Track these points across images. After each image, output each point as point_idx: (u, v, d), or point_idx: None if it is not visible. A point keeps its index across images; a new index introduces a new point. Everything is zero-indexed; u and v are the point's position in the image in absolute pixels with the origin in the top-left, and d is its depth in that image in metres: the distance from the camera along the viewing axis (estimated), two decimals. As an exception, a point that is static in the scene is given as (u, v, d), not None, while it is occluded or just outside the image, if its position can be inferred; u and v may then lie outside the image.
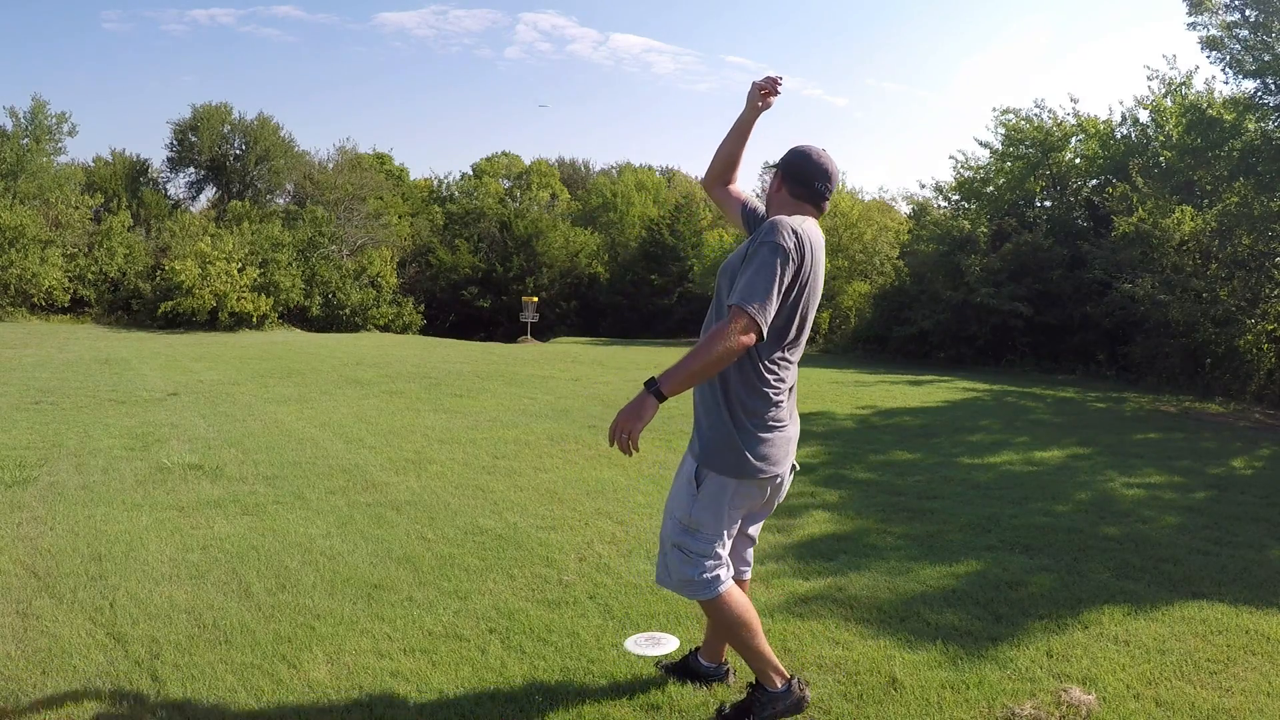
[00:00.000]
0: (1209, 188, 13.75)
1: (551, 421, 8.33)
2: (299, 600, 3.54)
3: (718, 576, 2.52)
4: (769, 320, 2.33)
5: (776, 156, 2.72)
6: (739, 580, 2.75)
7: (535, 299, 29.05)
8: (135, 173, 32.35)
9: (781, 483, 2.60)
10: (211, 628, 3.25)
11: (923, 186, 23.44)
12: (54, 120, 26.87)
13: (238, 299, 24.97)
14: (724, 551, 2.55)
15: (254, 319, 25.53)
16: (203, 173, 33.09)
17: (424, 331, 31.21)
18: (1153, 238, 14.73)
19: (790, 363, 2.53)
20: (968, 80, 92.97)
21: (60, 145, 27.31)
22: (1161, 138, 17.07)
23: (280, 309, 26.98)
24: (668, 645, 3.13)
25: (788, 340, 2.48)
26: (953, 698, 2.79)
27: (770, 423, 2.48)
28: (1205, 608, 3.61)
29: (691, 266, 31.96)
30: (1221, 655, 3.15)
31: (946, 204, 22.59)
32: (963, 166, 21.47)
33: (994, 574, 4.02)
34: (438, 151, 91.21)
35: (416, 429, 7.80)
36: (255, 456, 6.36)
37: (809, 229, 2.46)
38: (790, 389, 2.56)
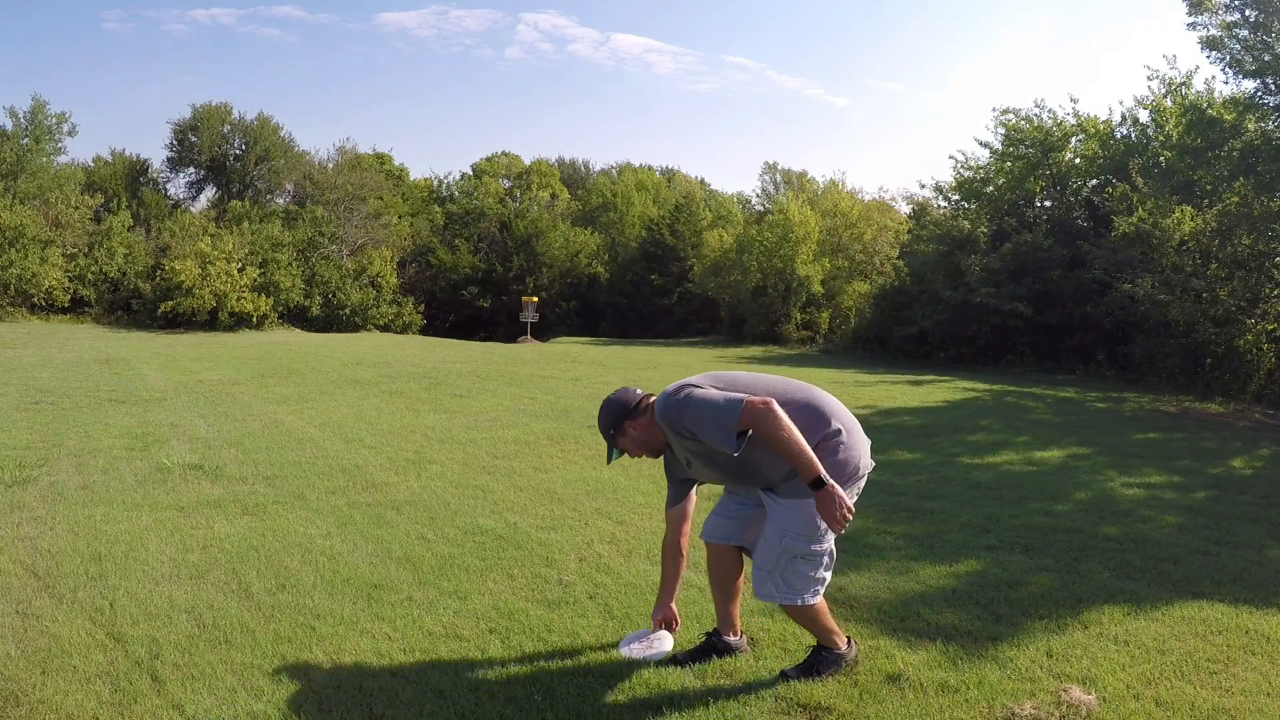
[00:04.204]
0: (1209, 188, 13.75)
1: (551, 421, 8.32)
2: (299, 600, 3.54)
3: (827, 577, 2.87)
4: (751, 394, 2.70)
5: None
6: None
7: (535, 299, 29.06)
8: (135, 173, 32.36)
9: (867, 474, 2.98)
10: (211, 628, 3.25)
11: (923, 186, 23.45)
12: (54, 120, 26.88)
13: (238, 299, 24.97)
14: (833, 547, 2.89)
15: (254, 319, 25.53)
16: (203, 173, 33.09)
17: (424, 331, 31.21)
18: (1153, 238, 14.73)
19: (801, 389, 2.91)
20: (967, 80, 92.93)
21: (60, 145, 27.35)
22: (1161, 138, 17.08)
23: (280, 309, 26.98)
24: (663, 645, 3.11)
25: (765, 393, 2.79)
26: (953, 698, 2.78)
27: (842, 428, 2.84)
28: (1205, 608, 3.61)
29: (691, 266, 31.98)
30: (1221, 655, 3.14)
31: (946, 204, 22.62)
32: (963, 166, 21.50)
33: (994, 574, 4.02)
34: (438, 151, 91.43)
35: (416, 429, 7.80)
36: (255, 456, 6.36)
37: (666, 391, 2.86)
38: (829, 419, 2.85)
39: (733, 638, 3.09)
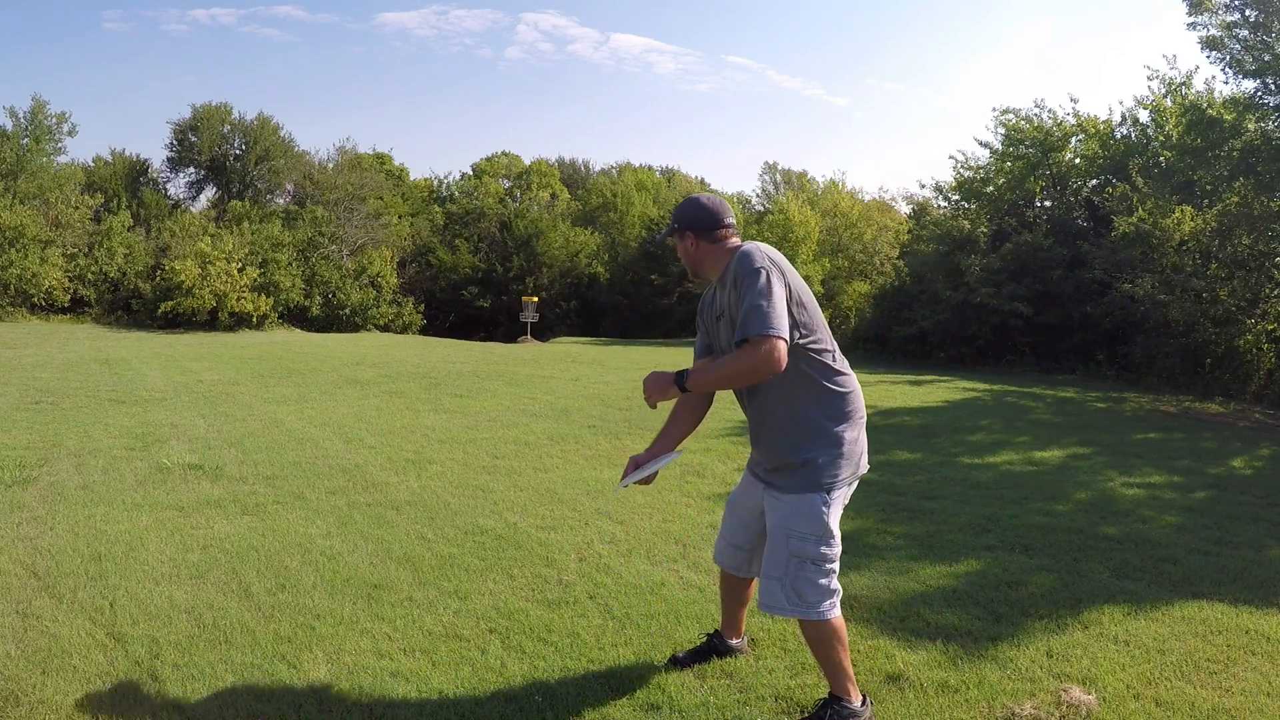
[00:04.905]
0: (1209, 188, 13.74)
1: (551, 421, 8.32)
2: (299, 600, 3.54)
3: (839, 587, 2.65)
4: (787, 330, 2.42)
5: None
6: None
7: (535, 299, 29.07)
8: (135, 173, 32.38)
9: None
10: (211, 628, 3.25)
11: (923, 186, 23.46)
12: (54, 120, 26.89)
13: (238, 299, 24.98)
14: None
15: (254, 319, 25.54)
16: (203, 173, 33.11)
17: (424, 331, 31.22)
18: (1153, 238, 14.73)
19: (843, 360, 2.71)
20: (967, 80, 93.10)
21: (60, 145, 27.35)
22: (1161, 138, 17.07)
23: (280, 309, 26.99)
24: (656, 465, 2.77)
25: (828, 348, 2.62)
26: (953, 698, 2.79)
27: (850, 431, 2.64)
28: (1205, 608, 3.61)
29: (692, 267, 31.93)
30: (1221, 655, 3.15)
31: (946, 204, 22.61)
32: (963, 166, 21.49)
33: (994, 574, 4.02)
34: (438, 151, 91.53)
35: (416, 429, 7.80)
36: (255, 456, 6.36)
37: (767, 248, 2.60)
38: (852, 391, 2.70)
39: (735, 640, 3.07)
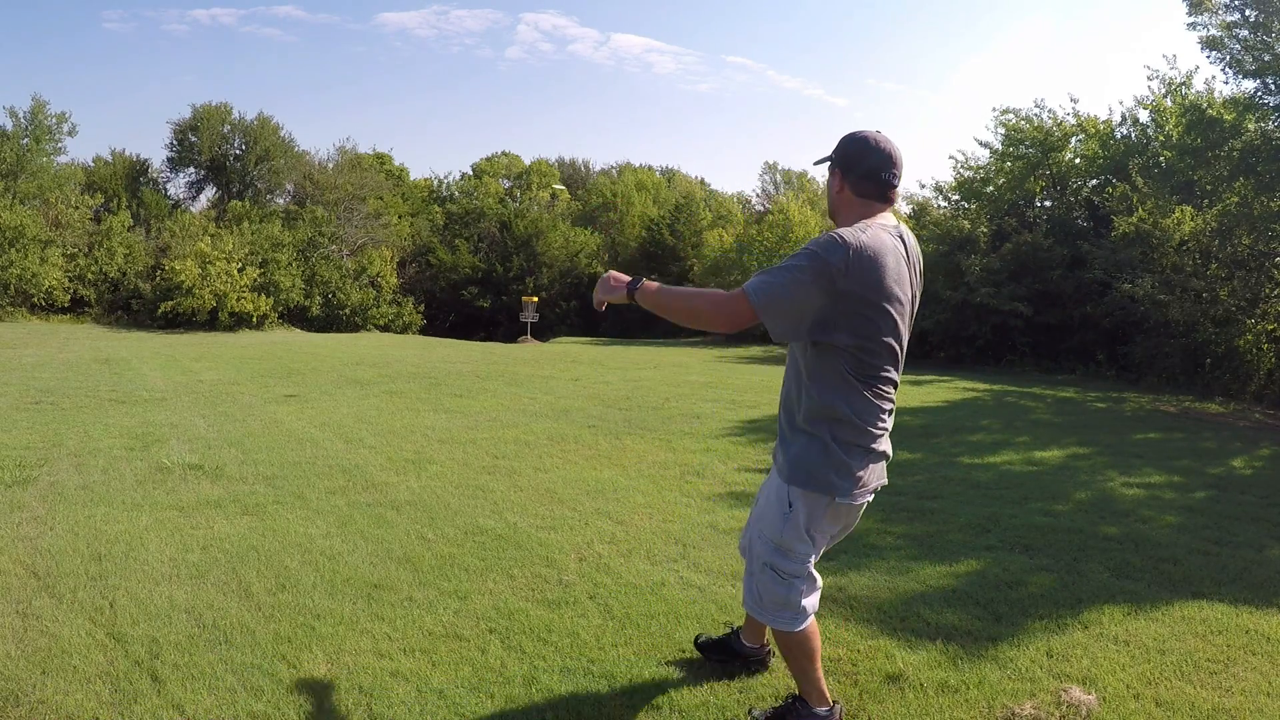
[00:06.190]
0: (1209, 188, 13.74)
1: (551, 421, 8.32)
2: (299, 600, 3.54)
3: (806, 607, 2.48)
4: (772, 317, 2.20)
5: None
6: None
7: (535, 299, 29.06)
8: (135, 173, 32.37)
9: (866, 505, 2.52)
10: (211, 628, 3.25)
11: (923, 186, 23.31)
12: (54, 120, 26.87)
13: (238, 299, 24.98)
14: (814, 573, 2.52)
15: (254, 319, 25.54)
16: (203, 173, 33.11)
17: (424, 331, 31.22)
18: (1153, 238, 14.73)
19: (888, 383, 2.37)
20: (967, 80, 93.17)
21: (60, 145, 27.31)
22: (1161, 138, 17.05)
23: (280, 309, 26.99)
24: None
25: (878, 360, 2.30)
26: (953, 698, 2.79)
27: (870, 445, 2.38)
28: (1205, 608, 3.61)
29: (691, 267, 31.98)
30: (1221, 655, 3.15)
31: (946, 204, 22.59)
32: (963, 166, 21.47)
33: (994, 574, 4.02)
34: (438, 151, 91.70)
35: (416, 429, 7.80)
36: (255, 456, 6.36)
37: (871, 237, 2.20)
38: (890, 412, 2.41)
39: (752, 645, 2.96)
